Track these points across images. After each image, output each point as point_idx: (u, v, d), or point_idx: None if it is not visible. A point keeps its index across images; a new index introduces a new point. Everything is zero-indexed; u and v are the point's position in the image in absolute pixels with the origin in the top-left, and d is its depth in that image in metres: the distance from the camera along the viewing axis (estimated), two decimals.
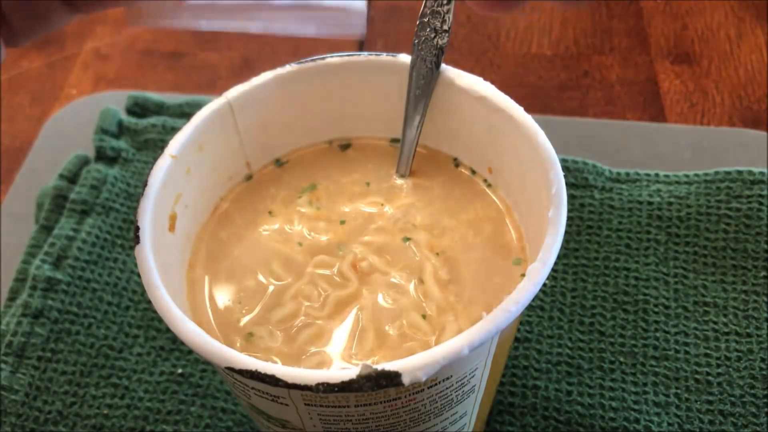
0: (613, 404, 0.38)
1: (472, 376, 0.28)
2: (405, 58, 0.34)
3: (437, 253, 0.32)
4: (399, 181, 0.35)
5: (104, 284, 0.44)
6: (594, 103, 0.56)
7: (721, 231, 0.44)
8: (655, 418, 0.38)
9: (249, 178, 0.36)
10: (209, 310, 0.31)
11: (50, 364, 0.41)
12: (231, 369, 0.25)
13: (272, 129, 0.35)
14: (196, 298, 0.32)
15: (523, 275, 0.28)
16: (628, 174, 0.47)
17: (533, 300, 0.42)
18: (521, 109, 0.31)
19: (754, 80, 0.56)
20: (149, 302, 0.43)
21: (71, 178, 0.49)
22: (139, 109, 0.53)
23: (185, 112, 0.52)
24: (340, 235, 0.33)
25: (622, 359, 0.40)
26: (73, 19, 0.24)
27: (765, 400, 0.38)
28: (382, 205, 0.34)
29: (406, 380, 0.24)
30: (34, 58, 0.62)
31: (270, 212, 0.35)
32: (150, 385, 0.40)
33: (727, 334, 0.40)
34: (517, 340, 0.41)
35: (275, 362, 0.29)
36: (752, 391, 0.38)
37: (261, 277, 0.32)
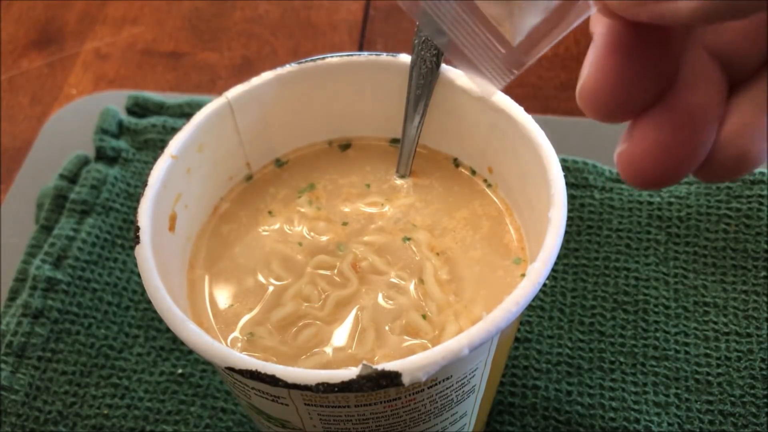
0: (613, 404, 0.38)
1: (472, 376, 0.28)
2: (405, 58, 0.34)
3: (437, 253, 0.32)
4: (399, 181, 0.35)
5: (104, 284, 0.44)
6: None
7: (721, 231, 0.44)
8: (655, 418, 0.38)
9: (249, 178, 0.36)
10: (209, 310, 0.32)
11: (50, 364, 0.41)
12: (231, 369, 0.25)
13: (272, 129, 0.35)
14: (196, 298, 0.32)
15: (523, 275, 0.28)
16: None
17: (533, 300, 0.42)
18: (521, 109, 0.31)
19: None
20: (149, 302, 0.43)
21: (71, 178, 0.49)
22: (139, 109, 0.53)
23: (185, 112, 0.52)
24: (340, 235, 0.33)
25: (622, 359, 0.40)
26: None
27: (765, 400, 0.38)
28: (382, 205, 0.34)
29: (406, 380, 0.24)
30: (34, 58, 0.62)
31: (270, 212, 0.35)
32: (150, 385, 0.40)
33: (727, 334, 0.40)
34: (517, 340, 0.41)
35: (275, 362, 0.29)
36: (752, 391, 0.38)
37: (261, 277, 0.32)
